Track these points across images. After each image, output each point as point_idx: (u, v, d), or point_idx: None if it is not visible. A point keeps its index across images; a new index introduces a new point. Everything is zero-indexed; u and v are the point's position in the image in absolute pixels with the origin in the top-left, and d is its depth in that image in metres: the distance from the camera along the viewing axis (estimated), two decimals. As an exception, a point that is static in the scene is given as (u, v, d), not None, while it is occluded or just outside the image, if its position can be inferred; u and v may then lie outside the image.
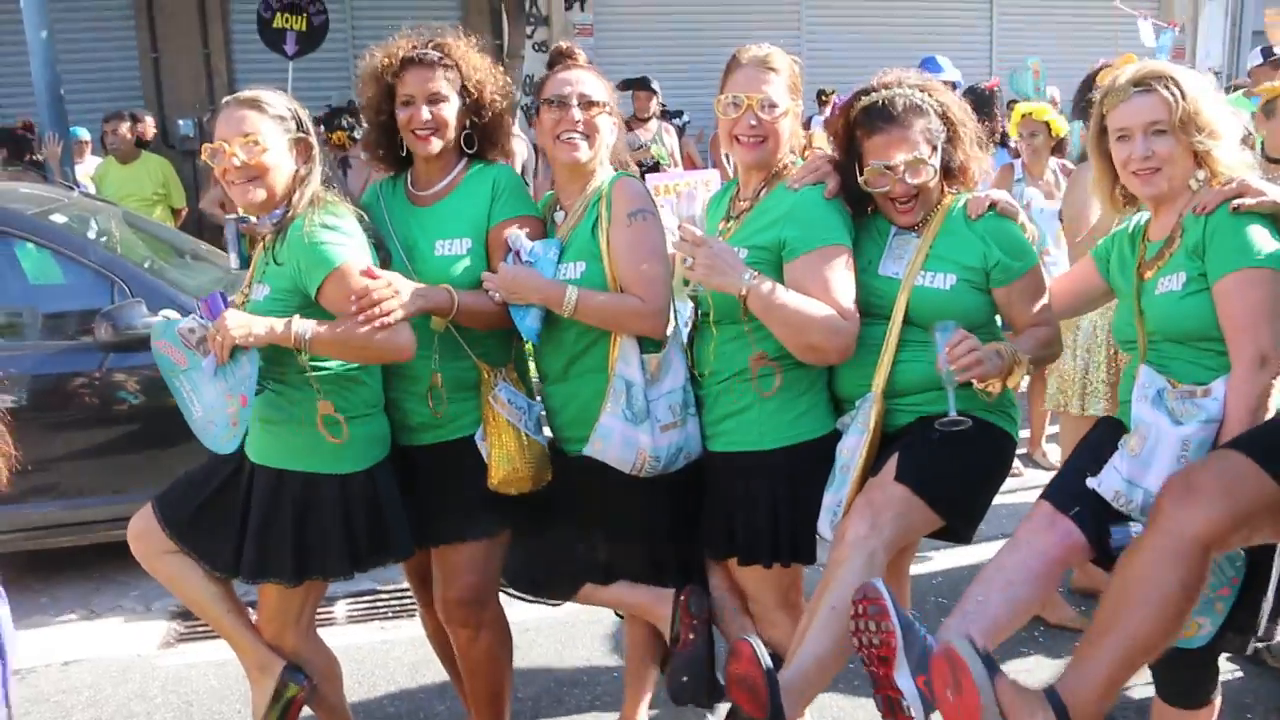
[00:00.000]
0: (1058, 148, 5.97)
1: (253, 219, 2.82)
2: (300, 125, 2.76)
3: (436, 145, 2.86)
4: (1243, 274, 2.43)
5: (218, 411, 2.62)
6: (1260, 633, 2.71)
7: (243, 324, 2.59)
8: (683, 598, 2.85)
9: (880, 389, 2.71)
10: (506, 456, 2.85)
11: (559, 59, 2.92)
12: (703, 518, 2.91)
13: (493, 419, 2.85)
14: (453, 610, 2.98)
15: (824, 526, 2.73)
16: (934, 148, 2.73)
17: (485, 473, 2.86)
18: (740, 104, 2.75)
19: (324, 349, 2.64)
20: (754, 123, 2.75)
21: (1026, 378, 2.76)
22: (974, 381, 2.57)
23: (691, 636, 2.82)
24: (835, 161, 2.79)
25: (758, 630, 2.91)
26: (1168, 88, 2.52)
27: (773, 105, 2.75)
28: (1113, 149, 2.62)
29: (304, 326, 2.60)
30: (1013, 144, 6.36)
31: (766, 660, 2.40)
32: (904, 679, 2.33)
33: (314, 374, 2.69)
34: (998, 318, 2.87)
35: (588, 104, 2.80)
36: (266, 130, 2.69)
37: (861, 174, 2.72)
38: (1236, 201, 2.46)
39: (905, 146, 2.69)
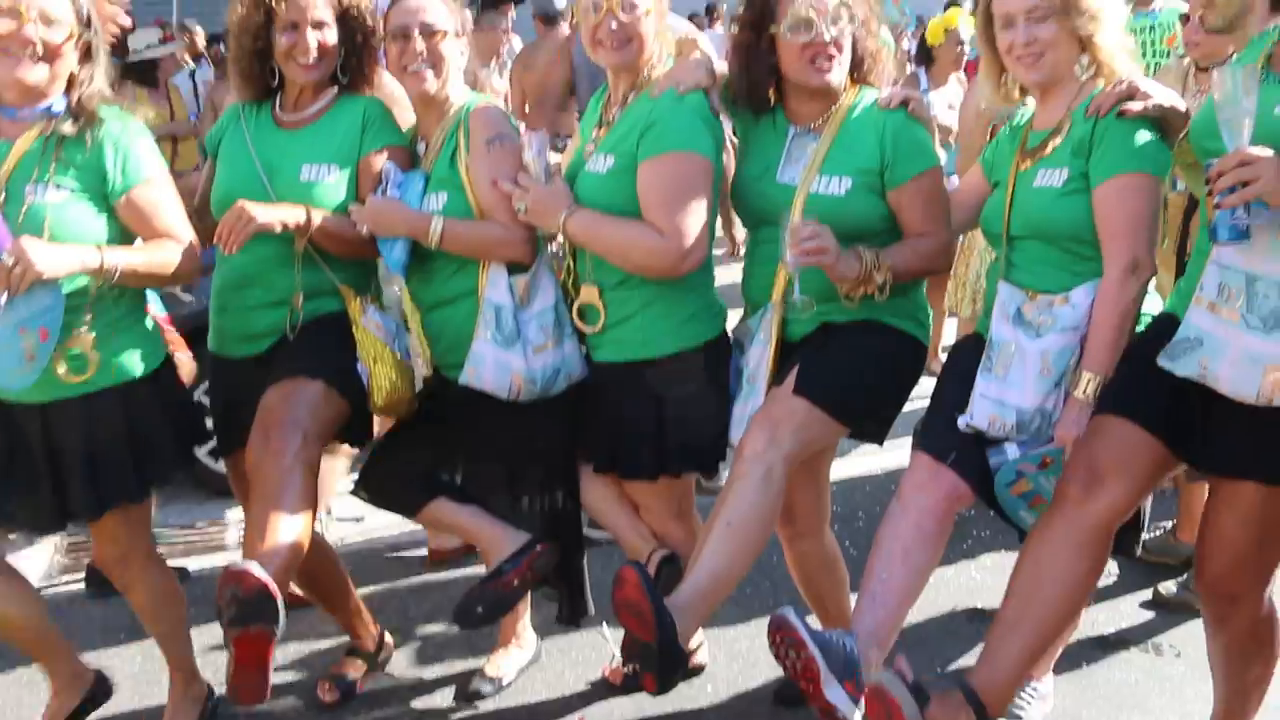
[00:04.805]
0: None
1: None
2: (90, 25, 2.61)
3: (318, 73, 2.85)
4: (1126, 179, 2.43)
5: (3, 347, 2.43)
6: (1145, 528, 2.81)
7: (48, 256, 2.41)
8: (538, 548, 2.84)
9: (779, 298, 2.69)
10: (388, 377, 2.85)
11: None
12: (586, 431, 2.90)
13: (368, 343, 2.84)
14: (272, 425, 2.68)
15: (736, 438, 2.73)
16: (850, 18, 2.65)
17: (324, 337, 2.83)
18: (600, 6, 2.68)
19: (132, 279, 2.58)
20: (615, 25, 2.68)
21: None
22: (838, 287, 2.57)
23: (516, 583, 2.83)
24: (740, 43, 2.73)
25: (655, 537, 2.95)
26: None
27: (633, 6, 2.67)
28: (997, 36, 2.58)
29: (115, 258, 2.51)
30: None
31: (651, 585, 2.43)
32: (833, 691, 2.36)
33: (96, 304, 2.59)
34: None
35: (430, 33, 2.76)
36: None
37: (780, 28, 2.63)
38: (1124, 105, 2.44)
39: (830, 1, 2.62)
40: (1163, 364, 2.20)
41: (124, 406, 2.66)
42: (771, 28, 2.64)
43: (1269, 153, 2.04)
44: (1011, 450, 2.48)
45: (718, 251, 3.39)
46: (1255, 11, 3.32)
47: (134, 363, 2.68)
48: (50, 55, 2.50)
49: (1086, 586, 2.27)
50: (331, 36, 2.83)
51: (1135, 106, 2.44)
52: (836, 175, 2.66)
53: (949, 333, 6.17)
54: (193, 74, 8.01)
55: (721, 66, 2.85)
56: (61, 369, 2.53)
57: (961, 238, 3.98)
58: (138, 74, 7.00)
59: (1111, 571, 3.80)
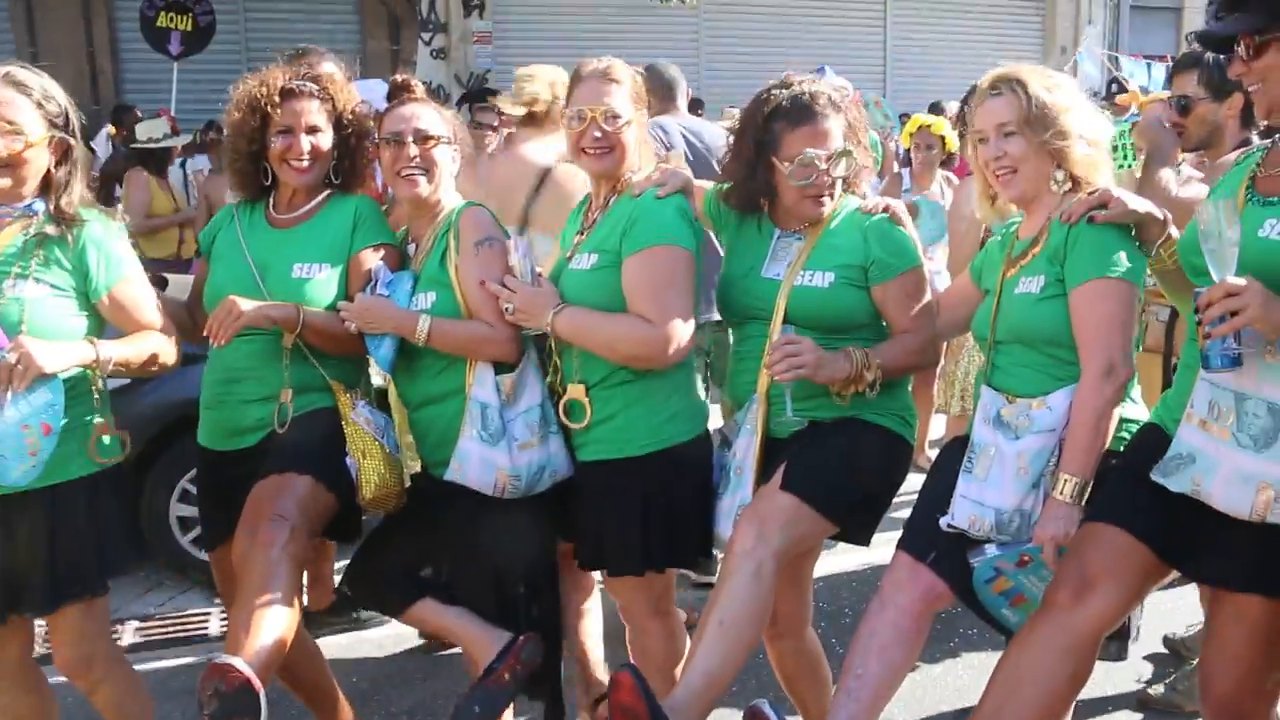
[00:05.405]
0: (948, 160, 6.16)
1: None
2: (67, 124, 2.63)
3: (311, 176, 2.92)
4: (1098, 284, 2.48)
5: (8, 443, 2.44)
6: (1133, 637, 2.80)
7: (50, 352, 2.45)
8: (522, 639, 2.83)
9: (764, 391, 2.73)
10: (376, 471, 2.86)
11: (396, 92, 2.94)
12: (571, 529, 2.90)
13: (358, 438, 2.87)
14: (260, 518, 2.69)
15: (724, 530, 2.75)
16: (849, 152, 2.74)
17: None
18: (584, 116, 2.77)
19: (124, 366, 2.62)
20: (599, 134, 2.77)
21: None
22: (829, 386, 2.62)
23: (508, 678, 2.81)
24: (742, 154, 2.77)
25: (630, 640, 2.95)
26: (1014, 89, 2.56)
27: (616, 116, 2.77)
28: (978, 150, 2.67)
29: (108, 350, 2.57)
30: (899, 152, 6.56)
31: (647, 689, 2.40)
32: None
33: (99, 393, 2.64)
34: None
35: (424, 138, 2.84)
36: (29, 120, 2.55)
37: (781, 163, 2.69)
38: (1095, 212, 2.50)
39: (833, 139, 2.71)
40: (1156, 479, 2.23)
41: (89, 496, 2.65)
42: (771, 155, 2.72)
43: (1255, 283, 2.08)
44: (991, 551, 2.50)
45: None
46: (1228, 128, 3.45)
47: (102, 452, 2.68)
48: (12, 164, 2.54)
49: (1068, 693, 2.25)
50: (325, 141, 2.91)
51: (1103, 213, 2.49)
52: (820, 269, 2.72)
53: (936, 429, 6.22)
54: (184, 164, 8.15)
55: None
56: (94, 454, 2.61)
57: (949, 338, 4.04)
58: (154, 163, 7.18)
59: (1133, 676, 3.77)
